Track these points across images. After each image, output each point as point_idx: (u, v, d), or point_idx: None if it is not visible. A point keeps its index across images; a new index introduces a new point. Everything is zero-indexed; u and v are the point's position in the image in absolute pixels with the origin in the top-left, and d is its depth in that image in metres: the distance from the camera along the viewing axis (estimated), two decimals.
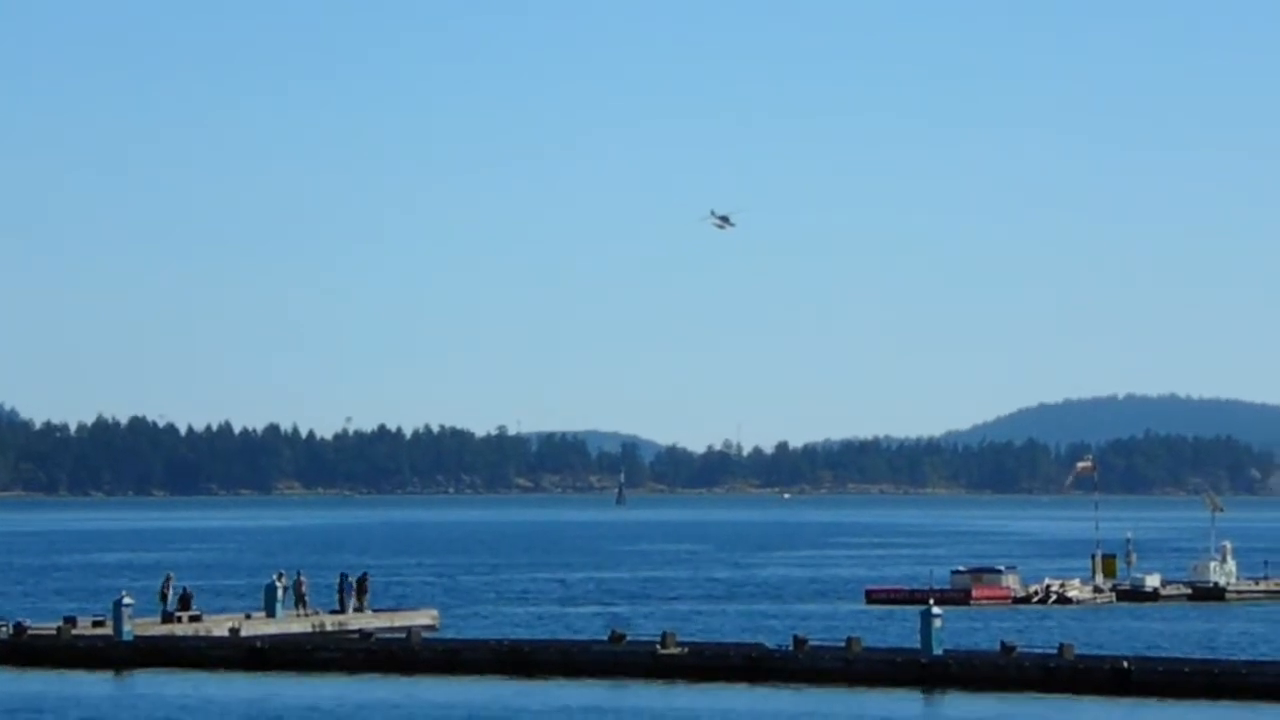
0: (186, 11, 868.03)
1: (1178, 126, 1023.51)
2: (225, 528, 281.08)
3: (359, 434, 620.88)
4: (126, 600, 77.63)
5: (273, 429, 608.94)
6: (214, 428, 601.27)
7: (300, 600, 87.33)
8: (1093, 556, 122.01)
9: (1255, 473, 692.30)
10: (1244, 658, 72.80)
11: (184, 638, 79.07)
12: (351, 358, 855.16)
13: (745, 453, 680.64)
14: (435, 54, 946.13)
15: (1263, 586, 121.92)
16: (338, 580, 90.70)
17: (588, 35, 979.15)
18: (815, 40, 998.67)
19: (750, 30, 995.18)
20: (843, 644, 70.54)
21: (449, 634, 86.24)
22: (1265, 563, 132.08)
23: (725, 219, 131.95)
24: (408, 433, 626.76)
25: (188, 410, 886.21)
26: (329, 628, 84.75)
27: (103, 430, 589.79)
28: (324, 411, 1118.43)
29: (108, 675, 72.73)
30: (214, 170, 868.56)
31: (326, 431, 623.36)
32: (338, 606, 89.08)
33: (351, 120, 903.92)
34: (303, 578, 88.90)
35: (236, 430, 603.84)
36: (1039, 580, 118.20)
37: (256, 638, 78.04)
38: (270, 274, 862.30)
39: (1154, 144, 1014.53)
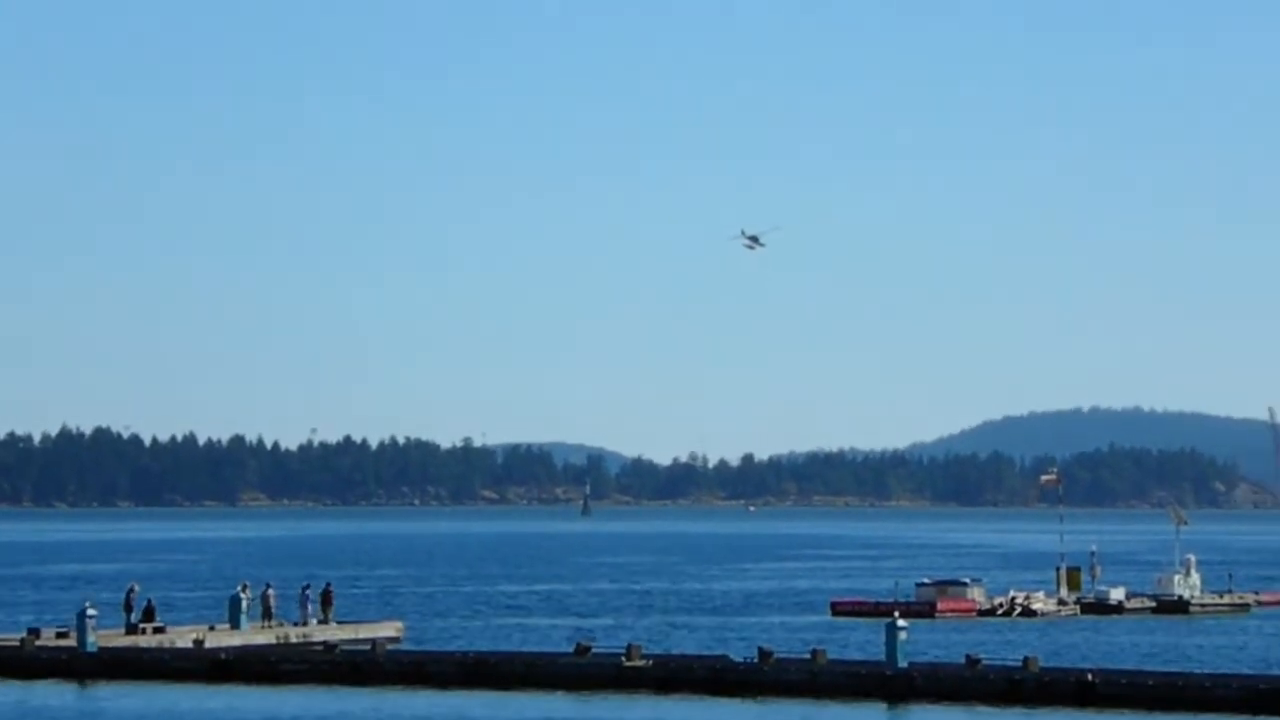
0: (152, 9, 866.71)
1: (1143, 140, 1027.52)
2: (190, 539, 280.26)
3: (324, 445, 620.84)
4: (90, 612, 77.33)
5: (237, 440, 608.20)
6: (179, 439, 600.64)
7: (267, 612, 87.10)
8: (1057, 569, 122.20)
9: (1219, 485, 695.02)
10: (1208, 671, 72.98)
11: (148, 649, 78.79)
12: (317, 369, 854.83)
13: (711, 465, 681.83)
14: (417, 66, 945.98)
15: (1227, 600, 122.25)
16: (298, 592, 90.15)
17: (564, 37, 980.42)
18: (792, 49, 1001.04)
19: (728, 34, 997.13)
20: (808, 656, 70.60)
21: (414, 646, 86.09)
22: (1229, 576, 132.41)
23: (755, 239, 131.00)
24: (373, 444, 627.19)
25: (152, 421, 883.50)
26: (293, 639, 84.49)
27: (67, 441, 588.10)
28: (289, 423, 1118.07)
29: (72, 686, 72.45)
30: (179, 178, 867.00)
31: (291, 443, 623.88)
32: (297, 618, 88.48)
33: (325, 129, 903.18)
34: (270, 590, 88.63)
35: (201, 441, 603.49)
36: (1004, 593, 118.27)
37: (221, 649, 77.81)
38: (235, 285, 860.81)
39: (1119, 158, 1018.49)
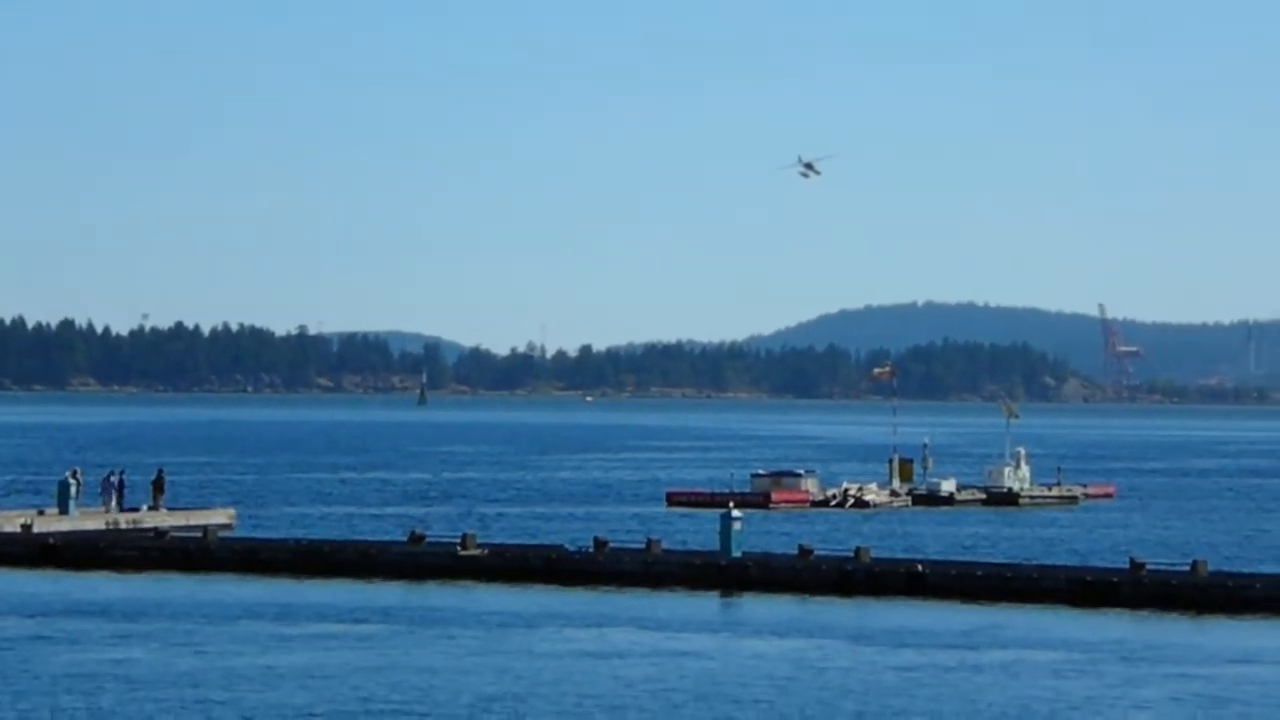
0: None
1: (974, 30, 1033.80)
2: (18, 423, 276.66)
3: (155, 331, 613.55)
4: None
5: (67, 324, 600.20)
6: (6, 322, 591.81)
7: (120, 498, 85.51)
8: (890, 461, 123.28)
9: (1050, 380, 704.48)
10: (1036, 562, 73.95)
11: None
12: (148, 253, 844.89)
13: (548, 355, 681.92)
14: None
15: (1055, 492, 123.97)
16: (104, 479, 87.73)
17: None
18: None
19: None
20: (643, 546, 70.77)
21: (246, 533, 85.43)
22: (1058, 469, 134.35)
23: (810, 166, 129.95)
24: (206, 330, 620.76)
25: None
26: (123, 525, 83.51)
27: None
28: (119, 307, 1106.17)
29: None
30: (9, 62, 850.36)
31: (122, 328, 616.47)
32: (104, 505, 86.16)
33: (160, 14, 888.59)
34: (115, 476, 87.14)
35: (30, 325, 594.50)
36: (837, 484, 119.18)
37: (49, 534, 76.83)
38: (65, 169, 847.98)
39: (951, 53, 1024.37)
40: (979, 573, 65.83)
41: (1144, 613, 60.49)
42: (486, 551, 70.59)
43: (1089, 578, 64.43)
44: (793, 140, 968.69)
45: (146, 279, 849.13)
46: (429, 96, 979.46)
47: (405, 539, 73.69)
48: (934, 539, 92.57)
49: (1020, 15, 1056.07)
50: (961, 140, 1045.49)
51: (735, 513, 69.53)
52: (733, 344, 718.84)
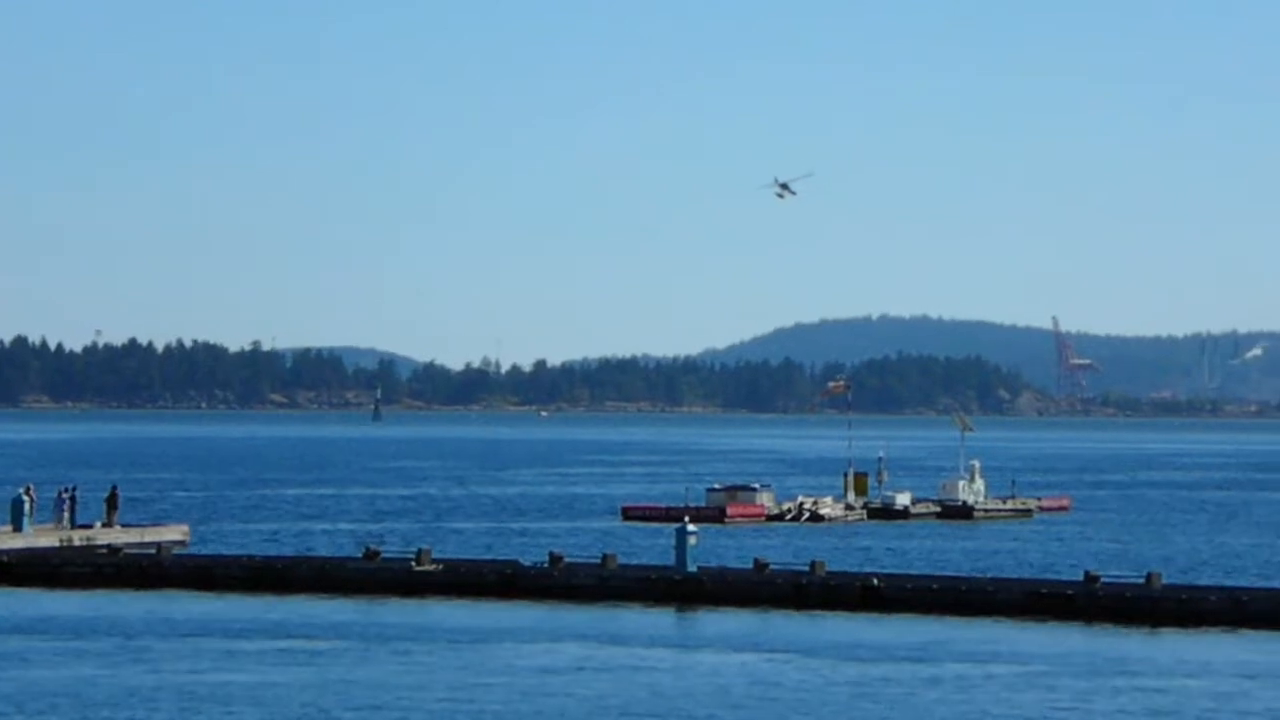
0: None
1: (941, 59, 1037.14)
2: None
3: (109, 347, 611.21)
4: None
5: (20, 341, 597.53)
6: None
7: (72, 516, 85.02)
8: (845, 475, 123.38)
9: (1004, 393, 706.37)
10: (991, 575, 74.05)
11: None
12: (101, 269, 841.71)
13: (503, 370, 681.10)
14: None
15: (1010, 505, 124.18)
16: (56, 495, 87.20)
17: None
18: None
19: None
20: (598, 561, 70.67)
21: (200, 550, 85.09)
22: (1013, 482, 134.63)
23: (785, 186, 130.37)
24: (159, 347, 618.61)
25: None
26: (77, 542, 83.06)
27: None
28: (73, 324, 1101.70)
29: None
30: None
31: (75, 344, 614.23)
32: (55, 522, 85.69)
33: (117, 20, 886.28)
34: (66, 492, 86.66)
35: None
36: (792, 498, 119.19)
37: (2, 552, 76.37)
38: (19, 182, 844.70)
39: (912, 71, 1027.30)
40: (934, 586, 65.88)
41: (1099, 626, 60.63)
42: (442, 567, 70.41)
43: (1044, 591, 64.55)
44: (749, 157, 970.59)
45: (100, 295, 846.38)
46: (383, 115, 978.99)
47: (360, 555, 73.47)
48: (889, 552, 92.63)
49: (972, 31, 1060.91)
50: (914, 155, 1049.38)
51: (690, 527, 69.49)
52: (687, 358, 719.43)
